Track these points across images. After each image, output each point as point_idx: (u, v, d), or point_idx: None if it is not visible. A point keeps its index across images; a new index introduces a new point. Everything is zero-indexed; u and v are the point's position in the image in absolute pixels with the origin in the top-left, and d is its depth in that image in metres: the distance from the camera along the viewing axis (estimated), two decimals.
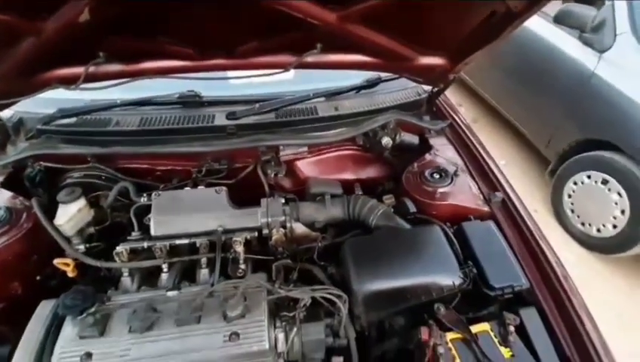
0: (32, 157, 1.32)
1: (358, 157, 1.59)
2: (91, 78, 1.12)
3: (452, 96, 4.39)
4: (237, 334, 0.93)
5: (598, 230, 2.60)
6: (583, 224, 2.71)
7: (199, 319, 0.95)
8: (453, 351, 0.90)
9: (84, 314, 0.93)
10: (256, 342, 0.93)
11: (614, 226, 2.50)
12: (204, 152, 1.35)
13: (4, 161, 1.32)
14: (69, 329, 0.92)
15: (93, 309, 0.95)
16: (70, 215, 1.23)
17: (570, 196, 2.78)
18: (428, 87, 1.62)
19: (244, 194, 1.29)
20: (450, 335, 0.94)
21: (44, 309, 0.96)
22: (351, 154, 1.58)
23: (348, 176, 1.55)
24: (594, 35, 2.63)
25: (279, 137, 1.40)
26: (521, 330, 0.96)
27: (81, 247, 1.22)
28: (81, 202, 1.26)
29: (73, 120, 1.39)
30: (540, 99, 3.08)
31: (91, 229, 1.31)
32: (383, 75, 1.61)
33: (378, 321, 1.10)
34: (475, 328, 0.95)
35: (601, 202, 2.54)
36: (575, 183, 2.73)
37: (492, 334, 0.95)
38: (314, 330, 0.97)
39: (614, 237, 2.49)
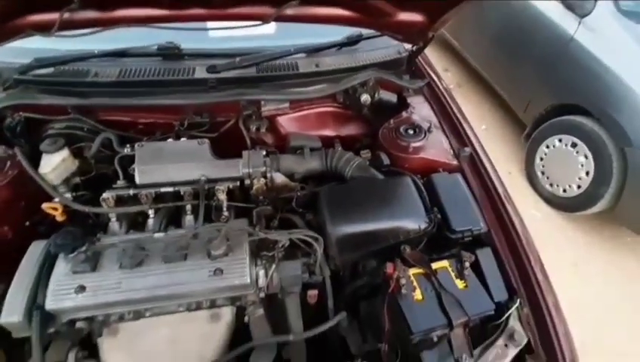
0: (10, 107, 1.31)
1: (337, 114, 1.63)
2: (66, 24, 1.11)
3: (439, 60, 4.38)
4: (221, 270, 1.02)
5: (564, 190, 2.77)
6: (551, 185, 2.88)
7: (185, 256, 1.03)
8: (415, 283, 1.01)
9: (76, 252, 1.00)
10: (238, 277, 1.02)
11: (579, 186, 2.67)
12: (185, 105, 1.37)
13: None
14: (61, 266, 0.98)
15: (84, 248, 1.01)
16: (54, 164, 1.25)
17: (542, 159, 2.93)
18: (408, 46, 1.65)
19: (227, 148, 1.33)
20: (412, 271, 1.05)
21: (36, 248, 1.01)
22: (331, 112, 1.62)
23: (328, 132, 1.60)
24: (576, 0, 2.65)
25: (260, 92, 1.42)
26: (477, 267, 1.09)
27: (68, 196, 1.26)
28: (65, 152, 1.28)
29: (51, 70, 1.37)
30: (520, 65, 3.14)
31: (77, 179, 1.34)
32: (365, 32, 1.62)
33: (352, 262, 1.20)
34: (435, 265, 1.07)
35: (568, 164, 2.69)
36: (547, 147, 2.86)
37: (450, 270, 1.06)
38: (291, 267, 1.07)
39: (578, 196, 2.68)
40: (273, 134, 1.55)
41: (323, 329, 0.99)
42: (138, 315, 1.04)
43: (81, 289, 0.95)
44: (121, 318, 1.03)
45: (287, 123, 1.56)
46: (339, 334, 1.14)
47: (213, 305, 1.08)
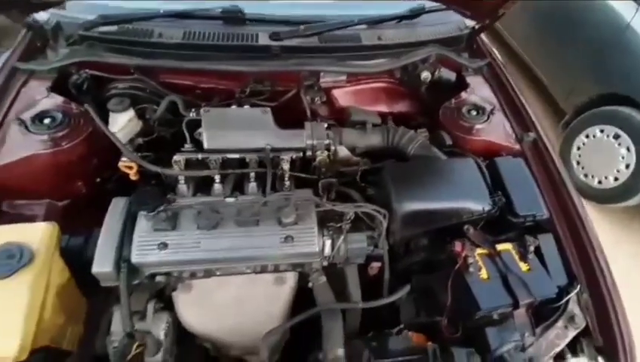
0: (78, 63, 1.33)
1: (391, 90, 1.61)
2: None
3: None
4: (291, 237, 1.05)
5: (600, 181, 2.74)
6: (585, 175, 2.84)
7: (257, 222, 1.07)
8: (480, 263, 1.04)
9: (156, 211, 1.04)
10: (307, 245, 1.06)
11: (616, 179, 2.63)
12: (248, 72, 1.36)
13: (49, 66, 1.33)
14: (143, 223, 1.03)
15: (162, 207, 1.05)
16: (122, 124, 1.28)
17: (579, 148, 2.87)
18: (470, 23, 1.59)
19: (282, 118, 1.33)
20: (477, 251, 1.07)
21: (117, 205, 1.05)
22: (385, 87, 1.60)
23: (381, 108, 1.58)
24: None
25: (322, 62, 1.41)
26: (537, 252, 1.11)
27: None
28: (131, 112, 1.30)
29: (115, 28, 1.37)
30: (567, 49, 3.01)
31: (140, 140, 1.36)
32: (427, 4, 1.56)
33: (406, 239, 1.23)
34: (498, 247, 1.09)
35: (608, 156, 2.64)
36: (587, 136, 2.80)
37: (513, 252, 1.08)
38: (358, 239, 1.10)
39: (614, 188, 2.65)
40: (327, 107, 1.54)
41: (392, 300, 1.03)
42: (209, 274, 1.10)
43: (164, 246, 1.00)
44: (193, 275, 1.09)
45: (341, 96, 1.55)
46: (393, 305, 1.19)
47: (277, 269, 1.13)
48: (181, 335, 1.11)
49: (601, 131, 2.69)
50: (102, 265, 0.95)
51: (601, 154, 2.72)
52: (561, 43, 3.09)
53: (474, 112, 1.37)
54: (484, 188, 1.18)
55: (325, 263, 1.14)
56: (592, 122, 2.75)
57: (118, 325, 1.03)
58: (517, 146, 1.34)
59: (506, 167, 1.24)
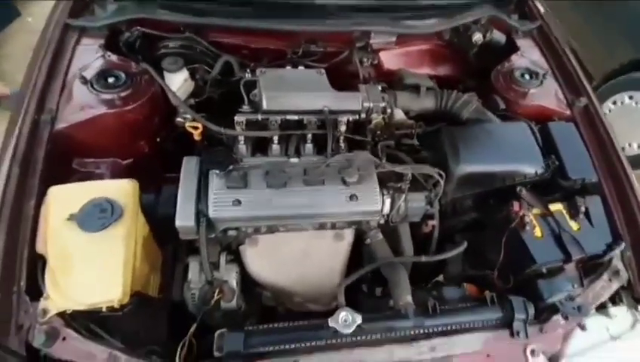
0: (128, 21, 1.31)
1: (438, 53, 1.60)
2: None
3: None
4: (356, 196, 1.11)
5: (622, 148, 2.75)
6: None
7: (323, 182, 1.12)
8: (534, 222, 1.10)
9: (227, 170, 1.08)
10: (371, 203, 1.11)
11: (639, 146, 2.66)
12: (301, 31, 1.34)
13: (101, 22, 1.31)
14: (216, 181, 1.07)
15: (232, 167, 1.09)
16: (178, 84, 1.29)
17: (605, 115, 2.86)
18: None
19: (330, 80, 1.33)
20: (533, 211, 1.13)
21: (190, 164, 1.09)
22: (432, 50, 1.59)
23: (427, 70, 1.58)
24: None
25: (375, 23, 1.38)
26: (586, 213, 1.16)
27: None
28: (185, 72, 1.31)
29: None
30: (602, 10, 2.90)
31: (192, 101, 1.37)
32: None
33: (455, 201, 1.29)
34: (551, 207, 1.15)
35: (635, 122, 2.65)
36: (614, 103, 2.78)
37: (564, 212, 1.15)
38: (417, 198, 1.16)
39: (636, 156, 2.68)
40: (375, 69, 1.54)
41: (449, 256, 1.10)
42: (272, 230, 1.16)
43: (238, 202, 1.05)
44: (257, 231, 1.16)
45: (388, 58, 1.54)
46: (440, 261, 1.28)
47: (334, 226, 1.19)
48: (243, 285, 1.20)
49: (630, 98, 2.67)
50: (184, 219, 1.01)
51: (627, 120, 2.71)
52: (595, 6, 2.97)
53: (527, 76, 1.38)
54: (537, 152, 1.22)
55: (382, 221, 1.21)
56: (621, 88, 2.72)
57: (195, 274, 1.11)
58: (568, 112, 1.36)
59: (559, 132, 1.27)
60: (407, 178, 1.15)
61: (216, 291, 1.05)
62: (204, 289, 1.06)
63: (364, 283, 1.25)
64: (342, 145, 1.27)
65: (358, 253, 1.23)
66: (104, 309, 0.89)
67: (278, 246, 1.17)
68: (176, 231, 1.03)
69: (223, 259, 1.14)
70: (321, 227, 1.19)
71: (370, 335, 0.93)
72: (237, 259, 1.18)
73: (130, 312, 0.96)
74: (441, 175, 1.15)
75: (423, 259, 1.10)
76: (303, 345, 0.89)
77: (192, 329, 0.98)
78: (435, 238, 1.23)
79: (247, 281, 1.20)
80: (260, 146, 1.29)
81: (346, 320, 0.89)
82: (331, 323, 0.88)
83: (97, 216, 0.92)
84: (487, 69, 1.48)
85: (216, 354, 0.88)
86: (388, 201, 1.16)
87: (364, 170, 1.15)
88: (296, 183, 1.11)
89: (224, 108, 1.27)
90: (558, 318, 1.01)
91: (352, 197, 1.11)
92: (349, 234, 1.20)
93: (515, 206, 1.09)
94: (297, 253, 1.18)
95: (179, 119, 1.26)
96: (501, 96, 1.35)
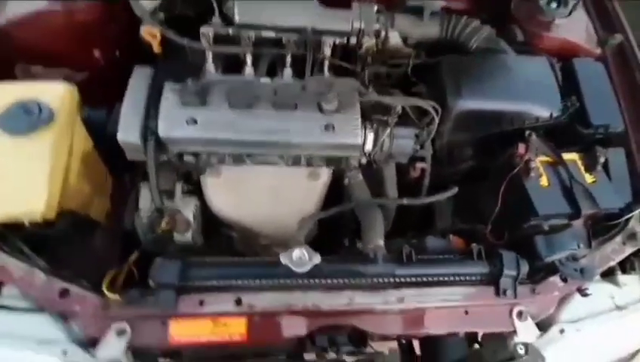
0: None
1: None
2: None
3: None
4: (333, 126, 0.95)
5: None
6: None
7: (296, 106, 0.96)
8: (541, 170, 0.93)
9: (184, 84, 0.93)
10: (350, 136, 0.95)
11: None
12: None
13: None
14: (170, 95, 0.92)
15: (190, 80, 0.94)
16: None
17: None
18: None
19: None
20: (539, 158, 0.96)
21: (141, 73, 0.95)
22: None
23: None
24: None
25: None
26: (605, 166, 0.98)
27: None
28: None
29: None
30: None
31: (161, 15, 1.20)
32: None
33: (453, 145, 1.12)
34: (564, 156, 0.97)
35: None
36: None
37: (579, 163, 0.97)
38: (405, 134, 0.99)
39: None
40: None
41: (437, 199, 0.95)
42: (239, 160, 1.02)
43: (193, 121, 0.91)
44: (222, 161, 1.02)
45: None
46: (429, 211, 1.13)
47: (310, 163, 1.05)
48: (208, 224, 1.08)
49: None
50: (127, 133, 0.87)
51: None
52: None
53: (554, 4, 1.15)
54: (555, 91, 1.03)
55: (364, 160, 1.05)
56: None
57: (146, 201, 0.99)
58: (598, 50, 1.14)
59: (584, 71, 1.07)
60: (395, 111, 0.98)
61: (166, 220, 0.93)
62: (152, 216, 0.94)
63: (346, 237, 1.12)
64: (326, 72, 1.10)
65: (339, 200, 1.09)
66: (27, 224, 0.78)
67: (244, 180, 1.03)
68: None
69: (179, 188, 1.01)
70: (295, 163, 1.05)
71: (329, 280, 0.80)
72: (199, 191, 1.05)
73: (63, 234, 0.85)
74: (436, 110, 0.97)
75: (405, 201, 0.95)
76: (249, 282, 0.77)
77: (133, 257, 0.87)
78: (424, 184, 1.06)
79: (214, 221, 1.08)
80: (233, 68, 1.13)
81: (300, 258, 0.76)
82: (283, 259, 0.75)
83: (23, 119, 0.79)
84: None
85: (150, 283, 0.76)
86: (371, 136, 1.00)
87: (346, 97, 0.98)
88: (264, 105, 0.95)
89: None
90: (555, 280, 0.86)
91: (328, 127, 0.95)
92: (325, 174, 1.06)
93: (521, 148, 0.91)
94: (266, 190, 1.04)
95: (144, 31, 1.09)
96: (521, 28, 1.14)
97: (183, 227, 0.96)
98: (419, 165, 1.03)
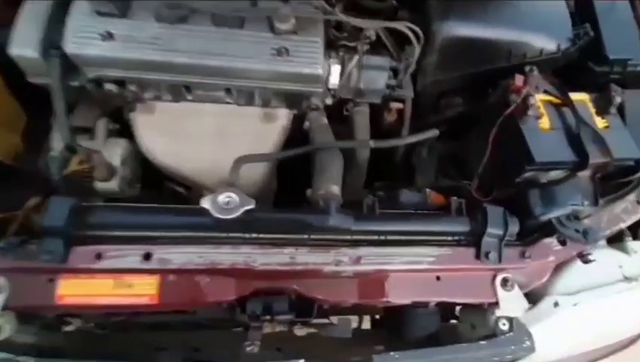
0: None
1: None
2: None
3: None
4: (286, 49, 0.76)
5: None
6: None
7: (242, 23, 0.77)
8: (542, 110, 0.75)
9: None
10: (308, 63, 0.77)
11: None
12: None
13: None
14: (81, 3, 0.74)
15: None
16: None
17: None
18: None
19: None
20: (540, 96, 0.78)
21: None
22: None
23: None
24: None
25: None
26: (619, 109, 0.80)
27: None
28: None
29: None
30: None
31: None
32: None
33: (437, 88, 0.93)
34: (571, 96, 0.79)
35: None
36: None
37: (590, 105, 0.79)
38: (378, 63, 0.81)
39: None
40: None
41: (414, 140, 0.77)
42: (177, 95, 0.84)
43: (109, 36, 0.72)
44: (157, 98, 0.84)
45: None
46: (409, 167, 0.96)
47: (266, 103, 0.87)
48: (149, 176, 0.91)
49: None
50: (22, 45, 0.69)
51: None
52: None
53: None
54: (565, 19, 0.84)
55: (329, 100, 0.87)
56: None
57: (58, 139, 0.82)
58: None
59: None
60: (366, 34, 0.79)
61: (78, 160, 0.76)
62: (62, 154, 0.77)
63: None
64: None
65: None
66: None
67: (183, 119, 0.86)
68: None
69: (101, 125, 0.84)
70: (248, 103, 0.87)
71: (266, 233, 0.63)
72: (131, 134, 0.88)
73: None
74: (417, 35, 0.79)
75: (372, 143, 0.77)
76: (162, 233, 0.61)
77: (31, 202, 0.71)
78: (405, 126, 0.88)
79: (156, 172, 0.91)
80: None
81: (228, 202, 0.59)
82: (205, 203, 0.58)
83: None
84: None
85: (35, 228, 0.60)
86: (336, 68, 0.81)
87: (306, 16, 0.79)
88: (201, 20, 0.76)
89: None
90: (550, 242, 0.70)
91: (281, 50, 0.76)
92: (283, 116, 0.88)
93: (518, 79, 0.73)
94: (210, 134, 0.87)
95: None
96: None
97: (103, 173, 0.79)
98: (394, 105, 0.85)
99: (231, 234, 0.61)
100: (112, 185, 0.82)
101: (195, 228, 0.61)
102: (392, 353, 0.59)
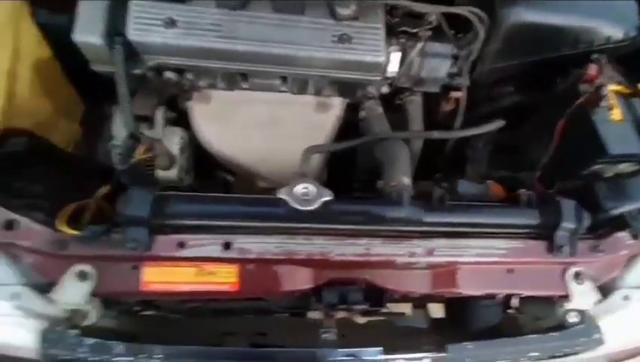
0: None
1: None
2: None
3: None
4: (348, 36, 0.75)
5: None
6: None
7: (303, 9, 0.75)
8: (613, 100, 0.73)
9: None
10: (370, 51, 0.75)
11: None
12: None
13: None
14: None
15: None
16: None
17: None
18: None
19: None
20: (611, 87, 0.75)
21: None
22: None
23: None
24: None
25: None
26: None
27: None
28: None
29: None
30: None
31: None
32: None
33: (494, 75, 0.91)
34: None
35: None
36: None
37: None
38: (440, 51, 0.78)
39: None
40: None
41: (478, 132, 0.76)
42: (232, 83, 0.84)
43: (171, 22, 0.71)
44: (211, 84, 0.84)
45: None
46: (460, 156, 0.95)
47: (319, 91, 0.86)
48: (202, 166, 0.92)
49: None
50: (87, 32, 0.68)
51: None
52: None
53: None
54: (632, 6, 0.80)
55: (386, 89, 0.86)
56: None
57: (120, 127, 0.82)
58: None
59: None
60: (428, 20, 0.77)
61: (142, 149, 0.76)
62: (126, 143, 0.77)
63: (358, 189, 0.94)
64: None
65: None
66: None
67: (239, 107, 0.86)
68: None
69: (160, 114, 0.84)
70: (301, 90, 0.86)
71: (342, 224, 0.63)
72: (185, 123, 0.88)
73: (17, 157, 0.69)
74: (481, 19, 0.76)
75: (435, 134, 0.76)
76: (241, 222, 0.61)
77: (102, 190, 0.72)
78: (459, 114, 0.86)
79: (208, 161, 0.91)
80: None
81: (306, 193, 0.59)
82: (282, 194, 0.58)
83: None
84: None
85: (118, 218, 0.61)
86: (396, 55, 0.79)
87: (366, 1, 0.77)
88: (261, 6, 0.74)
89: None
90: (623, 236, 0.69)
91: (343, 38, 0.75)
92: (337, 105, 0.88)
93: (592, 69, 0.71)
94: (264, 120, 0.86)
95: None
96: None
97: (164, 162, 0.79)
98: (454, 94, 0.83)
99: (306, 225, 0.62)
100: (172, 173, 0.83)
101: (272, 218, 0.61)
102: (465, 343, 0.60)
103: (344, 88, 0.86)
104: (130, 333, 0.67)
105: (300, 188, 0.59)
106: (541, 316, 0.71)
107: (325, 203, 0.60)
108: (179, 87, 0.82)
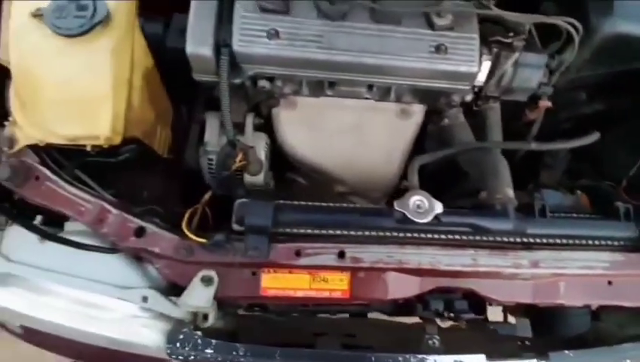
0: None
1: None
2: None
3: None
4: (445, 47, 0.75)
5: None
6: None
7: (400, 20, 0.76)
8: None
9: None
10: (465, 61, 0.76)
11: None
12: None
13: None
14: (246, 2, 0.74)
15: None
16: None
17: None
18: None
19: None
20: None
21: None
22: None
23: None
24: None
25: None
26: None
27: None
28: None
29: None
30: None
31: None
32: None
33: (572, 87, 0.91)
34: None
35: None
36: None
37: None
38: (534, 61, 0.79)
39: None
40: None
41: (578, 145, 0.76)
42: (318, 90, 0.85)
43: (275, 34, 0.73)
44: (296, 91, 0.85)
45: None
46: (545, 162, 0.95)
47: (399, 98, 0.87)
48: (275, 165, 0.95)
49: None
50: (198, 44, 0.71)
51: None
52: None
53: None
54: None
55: (469, 96, 0.87)
56: None
57: (213, 134, 0.85)
58: None
59: None
60: (523, 30, 0.77)
61: (240, 157, 0.79)
62: (224, 150, 0.80)
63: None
64: None
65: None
66: (89, 149, 0.65)
67: (324, 113, 0.87)
68: (190, 78, 0.74)
69: (249, 121, 0.86)
70: (383, 98, 0.87)
71: (449, 234, 0.65)
72: (267, 128, 0.90)
73: (128, 164, 0.73)
74: (576, 29, 0.76)
75: (533, 146, 0.77)
76: (354, 232, 0.64)
77: (207, 196, 0.75)
78: (537, 123, 0.86)
79: (280, 163, 0.94)
80: None
81: (419, 206, 0.61)
82: (399, 206, 0.61)
83: (74, 15, 0.63)
84: None
85: (235, 226, 0.64)
86: (487, 64, 0.80)
87: (461, 11, 0.77)
88: (361, 18, 0.75)
89: None
90: None
91: (440, 48, 0.75)
92: (419, 112, 0.89)
93: None
94: (348, 128, 0.89)
95: None
96: None
97: (256, 167, 0.82)
98: (543, 104, 0.83)
99: (415, 235, 0.64)
100: (260, 178, 0.86)
101: (384, 228, 0.64)
102: (566, 351, 0.62)
103: (427, 96, 0.87)
104: (233, 333, 0.71)
105: (413, 201, 0.61)
106: (627, 324, 0.72)
107: (437, 214, 0.62)
108: (269, 94, 0.84)
